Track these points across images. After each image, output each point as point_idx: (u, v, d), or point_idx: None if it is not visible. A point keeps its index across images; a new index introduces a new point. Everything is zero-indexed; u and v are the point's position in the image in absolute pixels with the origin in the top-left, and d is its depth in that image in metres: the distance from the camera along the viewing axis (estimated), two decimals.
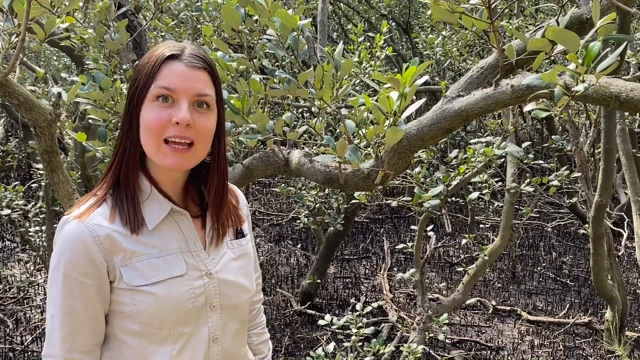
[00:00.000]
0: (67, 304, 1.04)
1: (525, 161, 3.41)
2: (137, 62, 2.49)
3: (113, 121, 2.37)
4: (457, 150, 2.80)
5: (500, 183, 3.76)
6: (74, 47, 2.47)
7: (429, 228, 3.30)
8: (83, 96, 2.01)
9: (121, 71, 2.25)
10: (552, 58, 1.24)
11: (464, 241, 3.79)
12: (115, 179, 1.09)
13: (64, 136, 2.97)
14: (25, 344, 4.24)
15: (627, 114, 4.30)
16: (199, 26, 2.95)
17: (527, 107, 1.25)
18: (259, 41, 1.88)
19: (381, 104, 1.45)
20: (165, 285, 1.07)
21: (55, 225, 4.78)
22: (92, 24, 2.29)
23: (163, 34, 3.20)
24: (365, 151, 1.75)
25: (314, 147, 1.97)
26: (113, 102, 2.08)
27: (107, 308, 1.08)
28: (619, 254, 5.93)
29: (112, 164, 1.10)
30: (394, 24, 7.27)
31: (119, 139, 1.10)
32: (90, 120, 2.65)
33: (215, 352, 1.13)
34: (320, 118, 1.83)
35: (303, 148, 1.92)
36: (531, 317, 4.75)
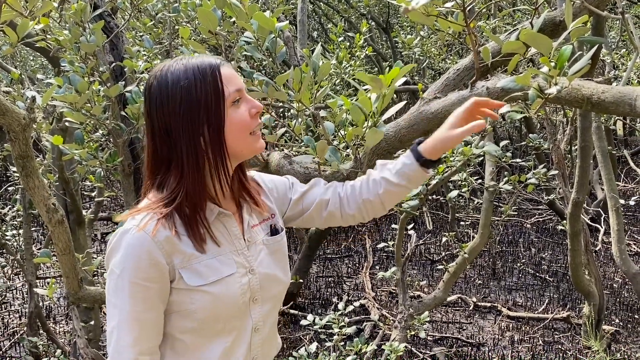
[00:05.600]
0: (135, 309, 1.08)
1: (504, 159, 3.45)
2: (113, 63, 2.46)
3: (90, 124, 2.34)
4: None
5: (479, 181, 3.80)
6: (50, 49, 2.43)
7: (410, 226, 3.32)
8: (59, 99, 1.99)
9: (98, 73, 2.23)
10: (530, 57, 1.26)
11: (444, 239, 3.82)
12: (181, 191, 1.11)
13: (41, 139, 2.92)
14: (4, 349, 4.17)
15: None
16: (177, 27, 2.93)
17: (502, 110, 1.27)
18: (237, 43, 1.87)
19: (361, 105, 1.45)
20: (221, 284, 1.13)
21: (32, 229, 4.70)
22: (68, 25, 2.25)
23: (141, 34, 3.17)
24: (345, 152, 1.76)
25: (294, 149, 1.97)
26: (89, 105, 2.06)
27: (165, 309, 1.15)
28: (596, 249, 6.03)
29: (178, 178, 1.12)
30: (373, 23, 7.29)
31: (186, 158, 1.11)
32: (67, 123, 2.61)
33: (256, 341, 1.21)
34: (300, 120, 1.83)
35: (282, 150, 1.91)
36: (511, 313, 4.81)
